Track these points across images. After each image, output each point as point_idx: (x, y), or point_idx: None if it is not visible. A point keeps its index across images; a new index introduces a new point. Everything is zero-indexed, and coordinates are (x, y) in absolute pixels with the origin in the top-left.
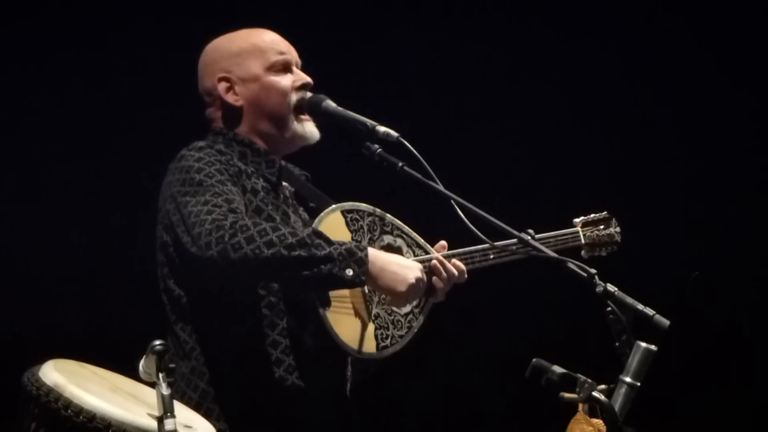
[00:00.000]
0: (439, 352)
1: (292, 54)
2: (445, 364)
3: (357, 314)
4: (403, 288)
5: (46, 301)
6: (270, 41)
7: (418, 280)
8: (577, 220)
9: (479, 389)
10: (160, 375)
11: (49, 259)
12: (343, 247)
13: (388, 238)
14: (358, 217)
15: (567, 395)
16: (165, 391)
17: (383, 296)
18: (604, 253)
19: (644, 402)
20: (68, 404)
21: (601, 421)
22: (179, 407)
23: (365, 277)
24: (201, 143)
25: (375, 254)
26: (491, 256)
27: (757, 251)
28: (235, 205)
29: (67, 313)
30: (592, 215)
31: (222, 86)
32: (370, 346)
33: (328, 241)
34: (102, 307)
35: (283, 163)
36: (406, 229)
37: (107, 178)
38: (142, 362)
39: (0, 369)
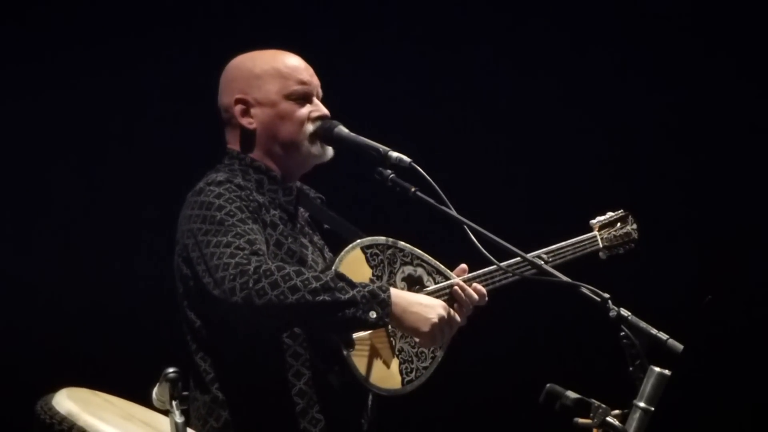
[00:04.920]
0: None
1: (313, 84)
2: (453, 388)
3: (381, 350)
4: (426, 328)
5: (59, 328)
6: (293, 68)
7: (441, 318)
8: (593, 221)
9: (493, 416)
10: (174, 402)
11: (61, 284)
12: (366, 290)
13: (408, 269)
14: (377, 251)
15: (581, 420)
16: (179, 418)
17: (412, 337)
18: (622, 251)
19: (658, 427)
20: None
21: None
22: None
23: (388, 319)
24: (220, 177)
25: (397, 295)
26: (511, 273)
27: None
28: (257, 246)
29: (81, 340)
30: (609, 214)
31: (238, 108)
32: (395, 382)
33: (351, 284)
34: (115, 333)
35: (298, 184)
36: (426, 257)
37: (122, 200)
38: (155, 390)
39: (13, 398)
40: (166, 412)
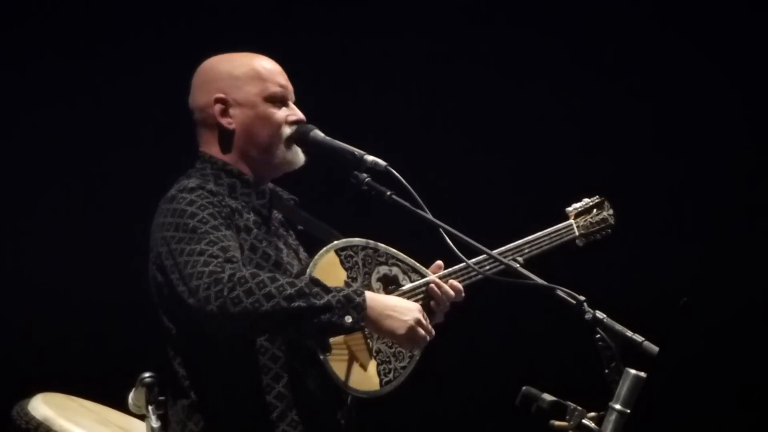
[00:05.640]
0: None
1: (289, 88)
2: (429, 389)
3: (358, 352)
4: (402, 331)
5: (35, 333)
6: (271, 70)
7: (417, 321)
8: (569, 209)
9: (466, 417)
10: (150, 407)
11: (36, 290)
12: (341, 294)
13: (383, 269)
14: (351, 253)
15: (557, 423)
16: (155, 423)
17: (389, 340)
18: (599, 237)
19: (634, 429)
20: None
21: None
22: None
23: (364, 323)
24: (191, 183)
25: (373, 298)
26: (486, 267)
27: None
28: (231, 253)
29: (57, 345)
30: (585, 200)
31: (217, 108)
32: (373, 384)
33: (326, 289)
34: (91, 338)
35: (271, 186)
36: (401, 255)
37: (96, 200)
38: (131, 395)
39: None
40: (142, 417)
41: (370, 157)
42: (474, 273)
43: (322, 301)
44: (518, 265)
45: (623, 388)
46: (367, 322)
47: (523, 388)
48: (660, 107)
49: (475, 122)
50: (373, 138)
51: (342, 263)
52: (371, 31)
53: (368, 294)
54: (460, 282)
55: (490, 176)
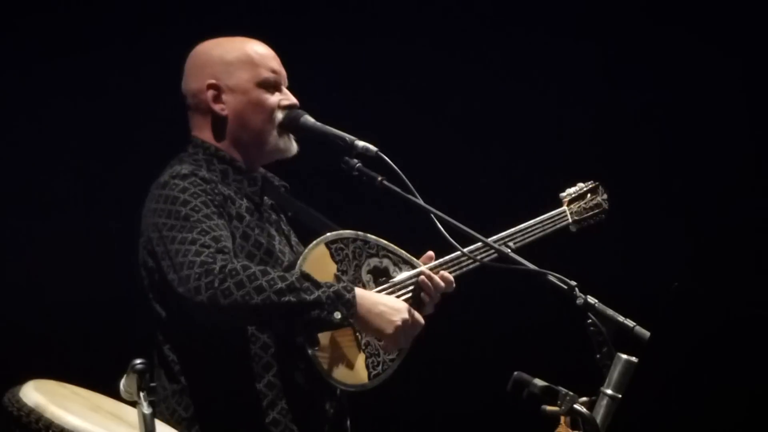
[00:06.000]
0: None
1: (282, 73)
2: (422, 376)
3: (347, 345)
4: (389, 330)
5: (26, 319)
6: (263, 55)
7: (404, 321)
8: (563, 194)
9: (458, 403)
10: (142, 394)
11: (28, 278)
12: (331, 290)
13: (374, 261)
14: (342, 245)
15: (549, 408)
16: (146, 410)
17: (376, 338)
18: (592, 222)
19: (625, 414)
20: (49, 424)
21: None
22: (162, 426)
23: (353, 319)
24: (184, 169)
25: (362, 295)
26: (478, 257)
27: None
28: (222, 243)
29: (48, 331)
30: (579, 185)
31: (210, 93)
32: (361, 377)
33: (316, 284)
34: (82, 324)
35: (262, 171)
36: (392, 247)
37: (87, 193)
38: (122, 381)
39: None
40: (133, 404)
41: (361, 143)
42: (465, 262)
43: (312, 297)
44: (509, 251)
45: (615, 373)
46: (356, 319)
47: (515, 373)
48: (657, 100)
49: (467, 110)
50: (365, 125)
51: (332, 256)
52: (369, 28)
53: (358, 291)
54: (450, 272)
55: (482, 162)
